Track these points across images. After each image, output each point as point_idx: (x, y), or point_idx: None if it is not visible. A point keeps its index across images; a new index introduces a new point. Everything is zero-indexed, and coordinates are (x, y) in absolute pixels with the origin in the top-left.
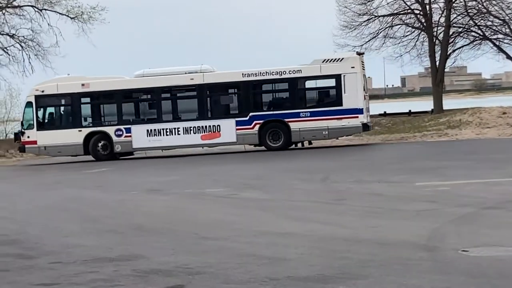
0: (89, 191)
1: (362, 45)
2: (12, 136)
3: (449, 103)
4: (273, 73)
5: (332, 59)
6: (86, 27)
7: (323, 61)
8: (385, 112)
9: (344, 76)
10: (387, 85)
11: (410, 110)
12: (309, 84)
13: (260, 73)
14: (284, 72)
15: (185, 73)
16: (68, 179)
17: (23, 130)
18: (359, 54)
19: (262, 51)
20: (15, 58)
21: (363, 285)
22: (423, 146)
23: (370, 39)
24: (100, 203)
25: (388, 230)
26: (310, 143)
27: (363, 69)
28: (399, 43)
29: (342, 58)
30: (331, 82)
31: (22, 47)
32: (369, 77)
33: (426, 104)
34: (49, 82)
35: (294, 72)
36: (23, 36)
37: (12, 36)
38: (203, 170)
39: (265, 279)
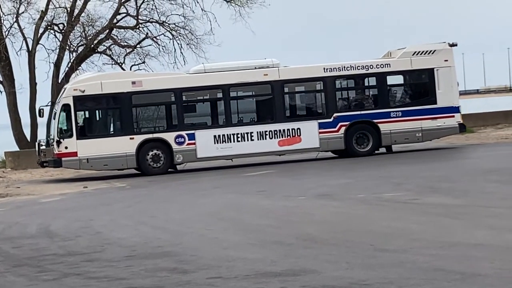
0: (251, 197)
1: None
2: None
3: None
4: (358, 67)
5: (423, 52)
6: (243, 11)
7: (413, 54)
8: None
9: (437, 70)
10: None
11: None
12: (399, 79)
13: (344, 67)
14: (371, 66)
15: (255, 68)
16: (227, 183)
17: (58, 139)
18: (452, 45)
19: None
20: (166, 48)
21: None
22: None
23: None
24: (263, 211)
25: None
26: (390, 148)
27: None
28: None
29: (434, 50)
30: (423, 77)
31: (173, 35)
32: None
33: None
34: (89, 79)
35: (382, 66)
36: (174, 24)
37: (162, 24)
38: (378, 171)
39: None
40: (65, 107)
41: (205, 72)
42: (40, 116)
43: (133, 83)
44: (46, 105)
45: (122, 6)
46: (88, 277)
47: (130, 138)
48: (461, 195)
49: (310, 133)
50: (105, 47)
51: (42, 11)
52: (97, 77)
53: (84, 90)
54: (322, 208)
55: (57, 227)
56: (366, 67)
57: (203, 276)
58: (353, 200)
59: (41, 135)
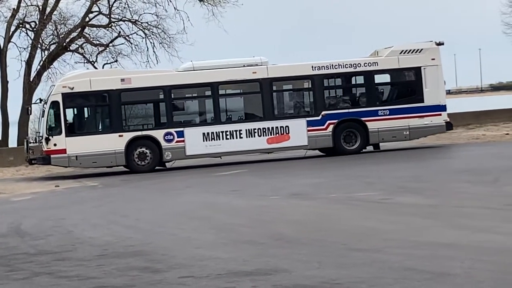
0: (224, 196)
1: None
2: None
3: None
4: (346, 66)
5: (410, 50)
6: (216, 10)
7: (400, 52)
8: None
9: (424, 69)
10: None
11: None
12: (386, 78)
13: (332, 65)
14: (359, 65)
15: (244, 66)
16: (200, 182)
17: (47, 137)
18: (439, 44)
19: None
20: (138, 47)
21: None
22: None
23: None
24: (236, 210)
25: None
26: (377, 146)
27: None
28: None
29: (421, 49)
30: (411, 76)
31: (146, 34)
32: None
33: None
34: (78, 76)
35: (370, 64)
36: (147, 23)
37: (134, 23)
38: (352, 171)
39: None
40: (54, 104)
41: (194, 70)
42: (28, 114)
43: (122, 80)
44: (34, 103)
45: (95, 5)
46: (59, 276)
47: (119, 136)
48: (433, 195)
49: (298, 131)
50: (77, 46)
51: (13, 9)
52: (86, 74)
53: (73, 87)
54: (295, 208)
55: (28, 226)
56: (354, 65)
57: (175, 275)
58: (325, 200)
59: (13, 134)
